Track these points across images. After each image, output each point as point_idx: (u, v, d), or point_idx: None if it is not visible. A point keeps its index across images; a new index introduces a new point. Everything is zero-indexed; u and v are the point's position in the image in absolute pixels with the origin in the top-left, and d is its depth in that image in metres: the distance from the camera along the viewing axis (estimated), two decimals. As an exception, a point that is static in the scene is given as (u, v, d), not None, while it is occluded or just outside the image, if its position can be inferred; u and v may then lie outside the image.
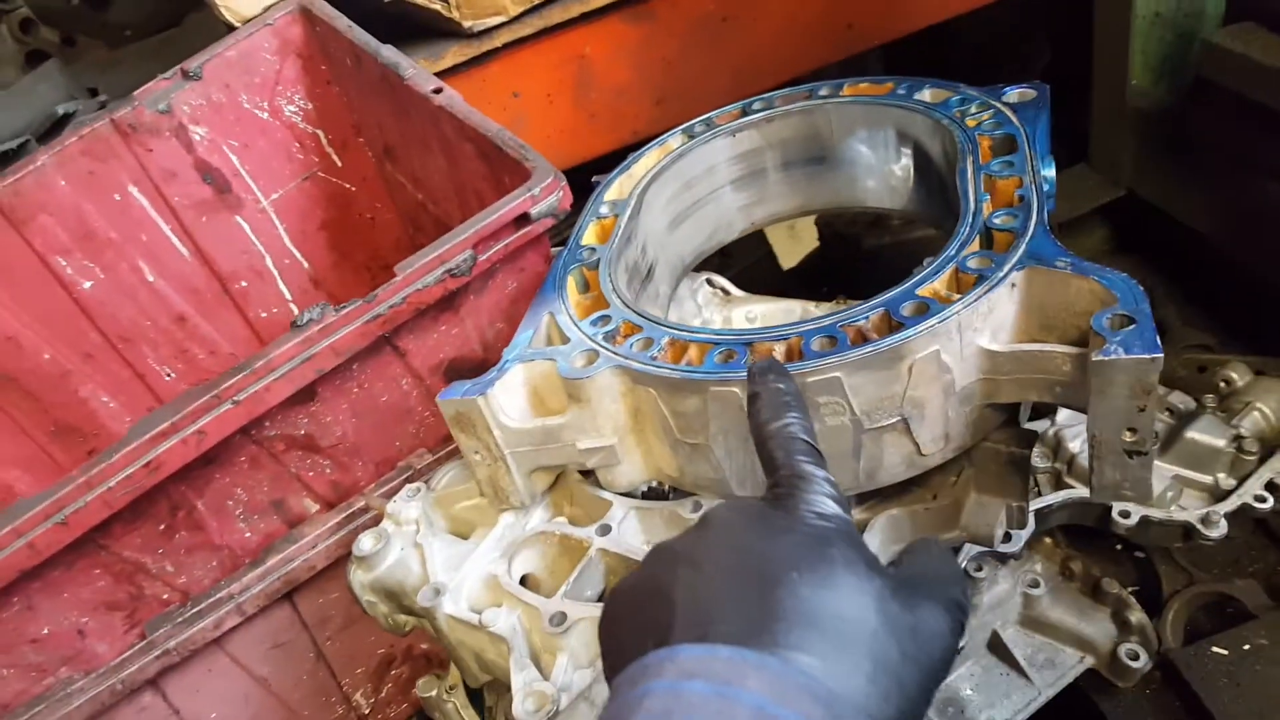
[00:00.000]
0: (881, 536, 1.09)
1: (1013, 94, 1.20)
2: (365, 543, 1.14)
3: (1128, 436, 0.85)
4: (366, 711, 1.61)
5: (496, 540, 1.12)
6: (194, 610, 1.26)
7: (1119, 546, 1.37)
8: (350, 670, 1.53)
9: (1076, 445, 1.28)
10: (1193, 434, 1.22)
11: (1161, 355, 0.79)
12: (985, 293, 0.91)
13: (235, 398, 1.15)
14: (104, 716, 1.26)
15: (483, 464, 1.09)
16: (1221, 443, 1.22)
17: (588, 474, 1.12)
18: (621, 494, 1.10)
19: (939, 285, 0.96)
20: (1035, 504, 1.22)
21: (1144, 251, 2.04)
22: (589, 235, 1.25)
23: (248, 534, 1.30)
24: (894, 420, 0.94)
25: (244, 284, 1.98)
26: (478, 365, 1.35)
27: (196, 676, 1.34)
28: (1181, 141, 1.90)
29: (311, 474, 1.30)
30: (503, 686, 1.09)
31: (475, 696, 1.26)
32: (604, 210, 1.28)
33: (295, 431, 1.23)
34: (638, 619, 0.65)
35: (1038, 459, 1.31)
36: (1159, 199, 1.98)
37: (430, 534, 1.14)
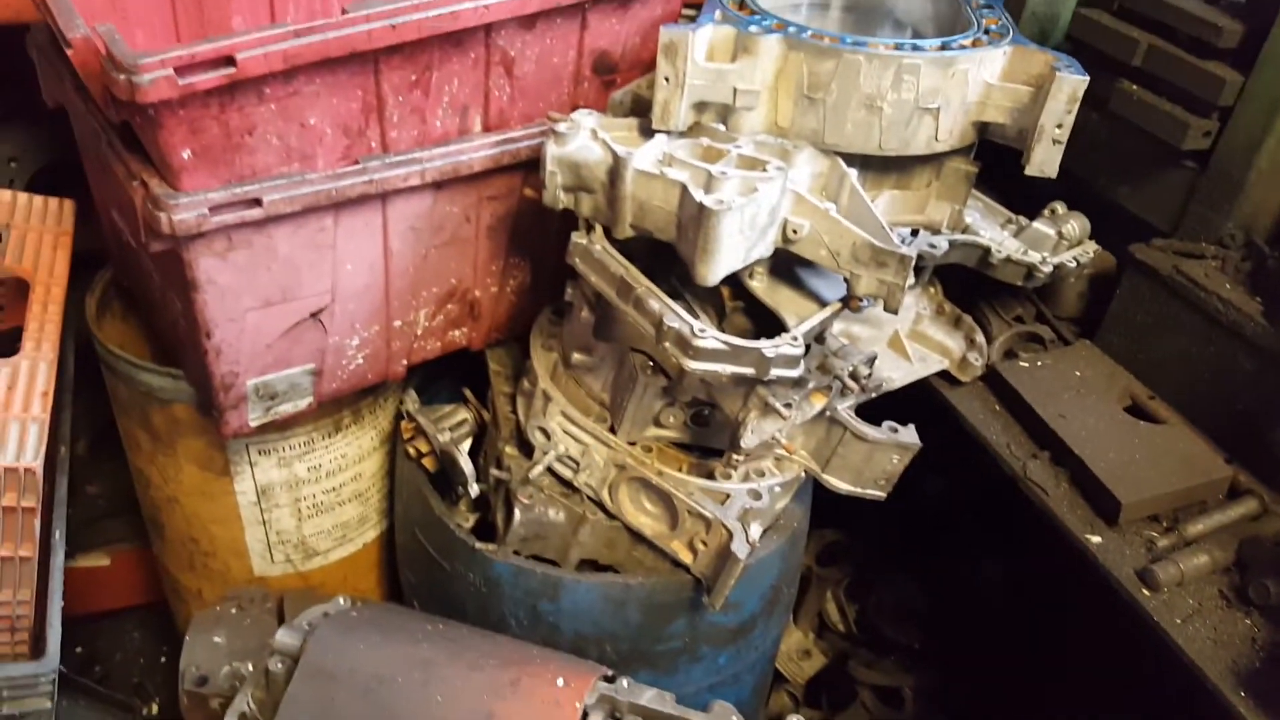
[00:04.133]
0: (884, 207, 1.76)
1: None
2: (561, 126, 1.63)
3: (1057, 130, 1.59)
4: (419, 332, 2.01)
5: (654, 145, 1.66)
6: (395, 158, 1.66)
7: (969, 308, 2.13)
8: (430, 285, 1.94)
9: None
10: (1038, 225, 2.02)
11: (1088, 78, 1.54)
12: (998, 47, 1.64)
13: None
14: (299, 218, 1.61)
15: (666, 88, 1.63)
16: (1051, 232, 2.03)
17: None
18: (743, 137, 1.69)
19: (969, 41, 1.67)
20: (947, 237, 1.94)
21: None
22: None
23: (437, 123, 1.72)
24: (934, 105, 1.62)
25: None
26: (613, 65, 1.87)
27: (359, 223, 1.71)
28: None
29: (495, 93, 1.75)
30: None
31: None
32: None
33: (509, 49, 1.70)
34: None
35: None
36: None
37: (604, 133, 1.66)
